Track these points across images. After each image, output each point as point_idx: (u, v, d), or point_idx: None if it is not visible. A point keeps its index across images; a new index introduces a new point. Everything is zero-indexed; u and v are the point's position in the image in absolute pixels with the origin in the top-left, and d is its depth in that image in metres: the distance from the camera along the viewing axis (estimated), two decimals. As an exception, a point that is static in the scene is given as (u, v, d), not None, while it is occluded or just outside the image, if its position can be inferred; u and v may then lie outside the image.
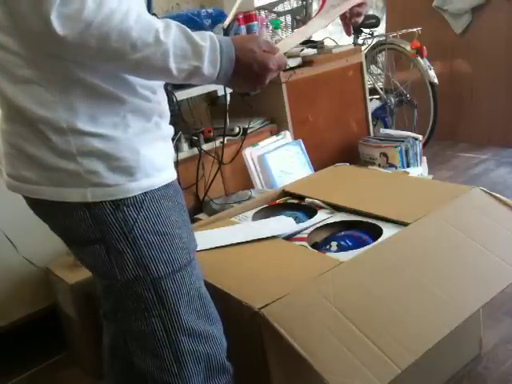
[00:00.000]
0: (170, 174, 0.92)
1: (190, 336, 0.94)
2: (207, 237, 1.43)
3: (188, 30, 0.82)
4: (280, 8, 2.91)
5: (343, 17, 1.06)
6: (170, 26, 0.80)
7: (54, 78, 0.80)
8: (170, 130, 0.96)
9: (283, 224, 1.49)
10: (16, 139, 0.85)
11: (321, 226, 1.48)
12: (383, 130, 2.81)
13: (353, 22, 1.07)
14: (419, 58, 3.05)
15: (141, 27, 0.76)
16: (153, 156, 0.87)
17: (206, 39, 0.83)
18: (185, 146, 2.09)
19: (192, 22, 2.06)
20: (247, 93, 2.21)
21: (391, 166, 2.55)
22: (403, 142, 2.56)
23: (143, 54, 0.77)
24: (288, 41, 1.06)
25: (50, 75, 0.80)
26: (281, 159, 2.26)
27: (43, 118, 0.81)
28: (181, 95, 1.96)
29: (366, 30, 3.22)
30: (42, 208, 0.91)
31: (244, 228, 1.51)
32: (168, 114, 0.95)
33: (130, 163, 0.84)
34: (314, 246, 1.41)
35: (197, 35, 0.83)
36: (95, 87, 0.81)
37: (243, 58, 0.87)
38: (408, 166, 2.55)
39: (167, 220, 0.90)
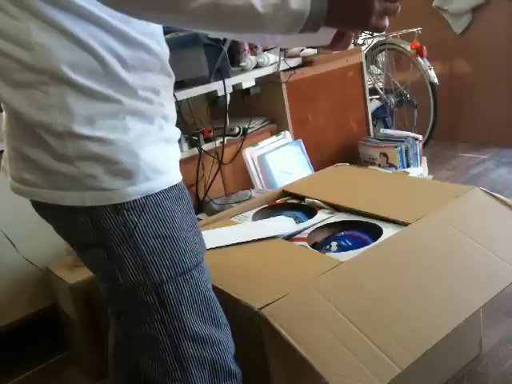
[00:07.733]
0: (172, 177, 0.89)
1: (194, 341, 0.92)
2: (207, 237, 1.41)
3: None
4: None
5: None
6: None
7: (50, 81, 0.78)
8: (176, 132, 0.93)
9: (283, 224, 1.49)
10: (17, 142, 0.85)
11: (321, 226, 1.48)
12: (383, 130, 2.81)
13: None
14: (419, 58, 3.06)
15: None
16: (154, 159, 0.85)
17: None
18: (185, 146, 2.08)
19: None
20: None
21: (391, 166, 2.55)
22: (403, 142, 2.56)
23: None
24: None
25: (46, 78, 0.78)
26: (281, 159, 2.26)
27: (40, 123, 0.80)
28: (181, 95, 1.96)
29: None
30: (44, 210, 0.90)
31: (244, 228, 1.51)
32: (174, 116, 0.92)
33: (128, 167, 0.82)
34: (314, 246, 1.41)
35: None
36: (90, 90, 0.79)
37: None
38: (408, 166, 2.55)
39: (171, 223, 0.88)
